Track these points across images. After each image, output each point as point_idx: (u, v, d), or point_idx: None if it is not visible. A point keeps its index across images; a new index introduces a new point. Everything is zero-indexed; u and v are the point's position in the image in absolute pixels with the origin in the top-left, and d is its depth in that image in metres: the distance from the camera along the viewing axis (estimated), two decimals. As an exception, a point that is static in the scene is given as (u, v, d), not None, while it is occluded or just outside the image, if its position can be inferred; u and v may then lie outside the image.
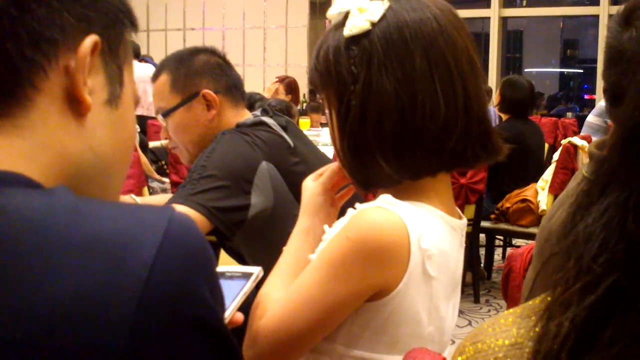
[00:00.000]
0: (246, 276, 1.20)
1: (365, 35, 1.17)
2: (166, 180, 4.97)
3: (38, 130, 0.70)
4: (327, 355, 1.21)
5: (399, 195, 1.18)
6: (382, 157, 1.17)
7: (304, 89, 9.28)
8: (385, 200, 1.16)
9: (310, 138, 2.36)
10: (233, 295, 1.16)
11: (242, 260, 2.25)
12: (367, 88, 1.15)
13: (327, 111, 1.26)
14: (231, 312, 1.13)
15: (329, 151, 2.72)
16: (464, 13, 10.00)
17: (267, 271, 2.03)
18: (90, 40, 0.73)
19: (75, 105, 0.73)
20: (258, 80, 8.28)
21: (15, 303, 0.58)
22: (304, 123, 6.31)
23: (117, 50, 0.79)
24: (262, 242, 2.08)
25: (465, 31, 1.20)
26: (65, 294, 0.59)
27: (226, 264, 2.41)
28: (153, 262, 0.61)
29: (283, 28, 9.77)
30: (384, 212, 1.14)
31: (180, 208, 1.82)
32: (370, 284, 1.14)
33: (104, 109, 0.76)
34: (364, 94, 1.15)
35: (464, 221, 1.29)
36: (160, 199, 2.58)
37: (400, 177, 1.19)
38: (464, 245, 1.30)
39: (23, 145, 0.69)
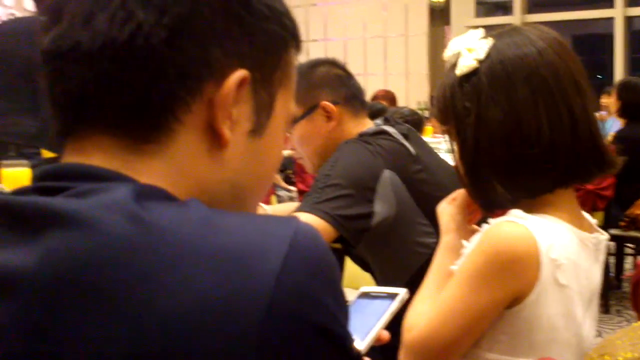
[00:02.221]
0: (391, 296, 1.26)
1: (474, 72, 1.28)
2: (293, 188, 5.06)
3: (178, 158, 0.73)
4: (471, 359, 1.30)
5: (526, 210, 1.27)
6: (496, 181, 1.28)
7: (424, 95, 9.24)
8: (515, 214, 1.25)
9: (432, 145, 2.37)
10: (379, 314, 1.22)
11: (367, 267, 2.28)
12: (478, 120, 1.27)
13: (450, 142, 1.37)
14: (377, 330, 1.19)
15: (450, 159, 2.71)
16: (586, 14, 9.71)
17: (392, 278, 2.06)
18: (237, 76, 0.74)
19: (215, 137, 0.74)
20: (379, 89, 8.29)
21: (148, 312, 0.61)
22: (428, 129, 6.28)
23: (272, 77, 0.79)
24: (386, 249, 2.11)
25: (571, 57, 1.29)
26: (196, 303, 0.61)
27: (352, 271, 2.46)
28: (280, 271, 0.63)
29: (403, 36, 9.75)
30: (514, 225, 1.23)
31: (307, 216, 1.87)
32: (506, 292, 1.23)
33: (246, 139, 0.77)
34: (476, 125, 1.27)
35: (598, 235, 1.35)
36: (288, 207, 2.63)
37: (516, 197, 1.29)
38: (600, 259, 1.36)
39: (164, 169, 0.72)
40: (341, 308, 0.69)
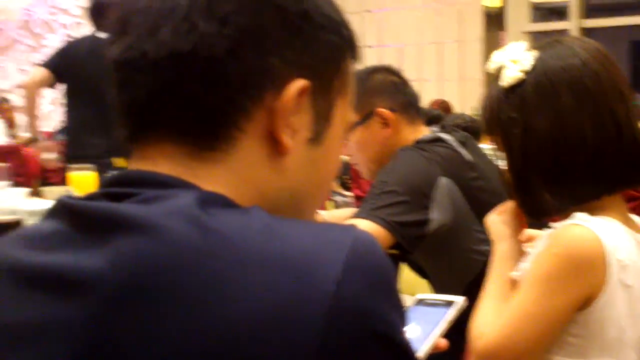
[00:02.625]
0: (448, 304, 1.28)
1: (520, 84, 1.31)
2: (349, 194, 5.08)
3: (239, 166, 0.74)
4: None
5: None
6: (545, 190, 1.30)
7: (477, 101, 9.19)
8: (579, 217, 1.27)
9: (489, 152, 2.36)
10: (435, 321, 1.24)
11: (423, 274, 2.29)
12: (525, 130, 1.29)
13: (499, 152, 1.39)
14: (435, 338, 1.20)
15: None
16: (634, 20, 9.53)
17: (449, 285, 2.06)
18: (297, 85, 0.75)
19: (276, 145, 0.75)
20: (435, 94, 8.25)
21: (212, 317, 0.62)
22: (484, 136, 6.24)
23: (330, 86, 0.80)
24: (443, 256, 2.11)
25: (614, 66, 1.32)
26: (258, 309, 0.62)
27: (408, 277, 2.46)
28: (340, 278, 0.64)
29: (457, 42, 9.71)
30: (581, 228, 1.25)
31: (364, 222, 1.89)
32: (580, 294, 1.25)
33: (305, 148, 0.78)
34: (523, 135, 1.30)
35: None
36: (344, 212, 2.64)
37: (564, 205, 1.31)
38: None
39: (226, 176, 0.74)
40: (400, 315, 0.69)
